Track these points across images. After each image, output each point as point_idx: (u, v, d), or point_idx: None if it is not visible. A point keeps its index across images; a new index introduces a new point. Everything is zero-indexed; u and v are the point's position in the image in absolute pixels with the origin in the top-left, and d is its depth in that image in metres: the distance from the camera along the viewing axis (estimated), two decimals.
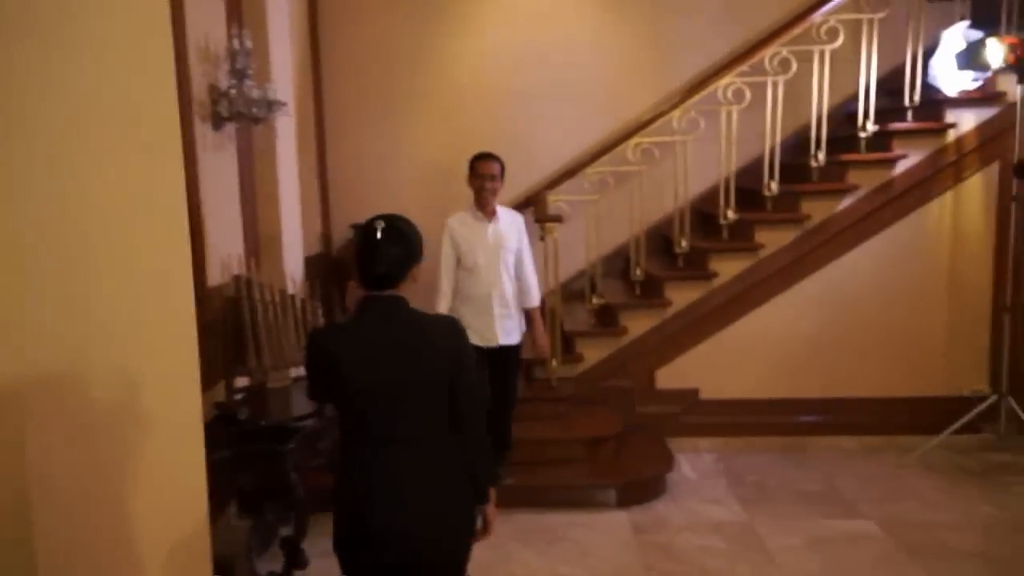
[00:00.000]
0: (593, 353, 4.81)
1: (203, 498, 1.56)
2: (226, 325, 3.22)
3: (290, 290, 3.64)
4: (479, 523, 2.14)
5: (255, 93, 3.76)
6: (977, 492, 4.11)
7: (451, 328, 2.09)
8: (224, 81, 3.74)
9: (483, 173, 3.81)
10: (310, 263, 5.02)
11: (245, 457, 3.01)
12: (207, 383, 3.48)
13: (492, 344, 3.82)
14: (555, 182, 4.83)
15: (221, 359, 3.28)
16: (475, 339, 3.36)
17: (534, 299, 3.99)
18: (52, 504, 1.08)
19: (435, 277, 3.82)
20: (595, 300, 4.84)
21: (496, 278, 3.83)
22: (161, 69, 1.43)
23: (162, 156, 1.44)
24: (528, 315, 4.00)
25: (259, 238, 4.30)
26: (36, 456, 1.05)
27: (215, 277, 3.59)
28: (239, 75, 3.72)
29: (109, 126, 1.26)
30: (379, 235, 1.98)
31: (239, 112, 3.75)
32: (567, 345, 4.84)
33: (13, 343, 1.04)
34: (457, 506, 2.06)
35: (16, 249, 1.05)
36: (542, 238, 4.56)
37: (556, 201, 4.72)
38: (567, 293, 5.08)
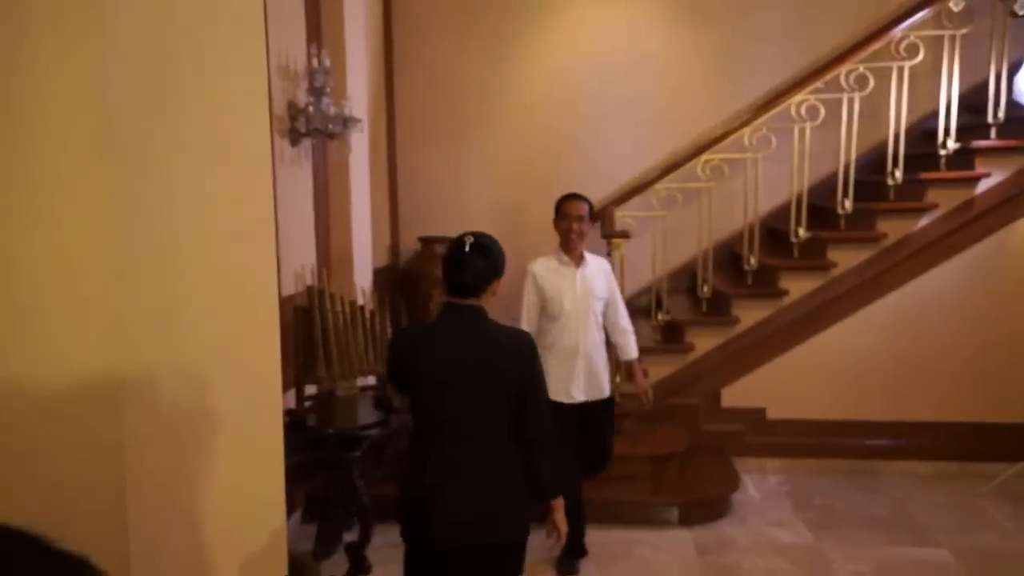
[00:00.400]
0: (658, 370, 4.78)
1: (281, 503, 1.62)
2: (297, 334, 3.32)
3: (359, 301, 3.73)
4: (549, 530, 2.32)
5: (332, 110, 3.89)
6: None
7: (524, 341, 2.28)
8: (302, 98, 3.89)
9: (570, 214, 3.46)
10: (378, 275, 5.14)
11: (313, 464, 3.09)
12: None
13: (575, 400, 3.46)
14: (622, 198, 4.84)
15: (292, 367, 3.39)
16: (557, 394, 3.22)
17: (632, 349, 3.68)
18: (144, 499, 1.15)
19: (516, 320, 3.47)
20: (661, 316, 4.82)
21: (584, 327, 3.47)
22: (255, 87, 1.51)
23: (253, 170, 1.52)
24: (627, 368, 3.79)
25: (331, 250, 4.43)
26: (132, 453, 1.12)
27: (288, 287, 3.72)
28: (317, 92, 3.86)
29: (205, 140, 1.35)
30: (467, 248, 2.20)
31: (316, 128, 3.89)
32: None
33: (111, 345, 1.11)
34: (508, 503, 2.19)
35: (116, 253, 1.12)
36: (609, 253, 4.56)
37: (623, 217, 4.72)
38: (632, 309, 5.04)
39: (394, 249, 5.81)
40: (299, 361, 3.35)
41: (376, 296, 4.60)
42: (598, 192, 5.40)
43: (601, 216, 4.74)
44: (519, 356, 2.20)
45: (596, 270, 3.55)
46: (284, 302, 3.75)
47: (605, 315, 3.58)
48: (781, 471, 4.66)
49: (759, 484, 4.50)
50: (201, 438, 1.33)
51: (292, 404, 3.47)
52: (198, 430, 1.33)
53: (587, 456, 3.51)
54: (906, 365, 4.64)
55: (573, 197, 3.53)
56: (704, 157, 4.65)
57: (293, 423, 3.33)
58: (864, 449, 4.67)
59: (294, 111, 3.83)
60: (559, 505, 2.30)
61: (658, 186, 4.74)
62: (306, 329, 3.35)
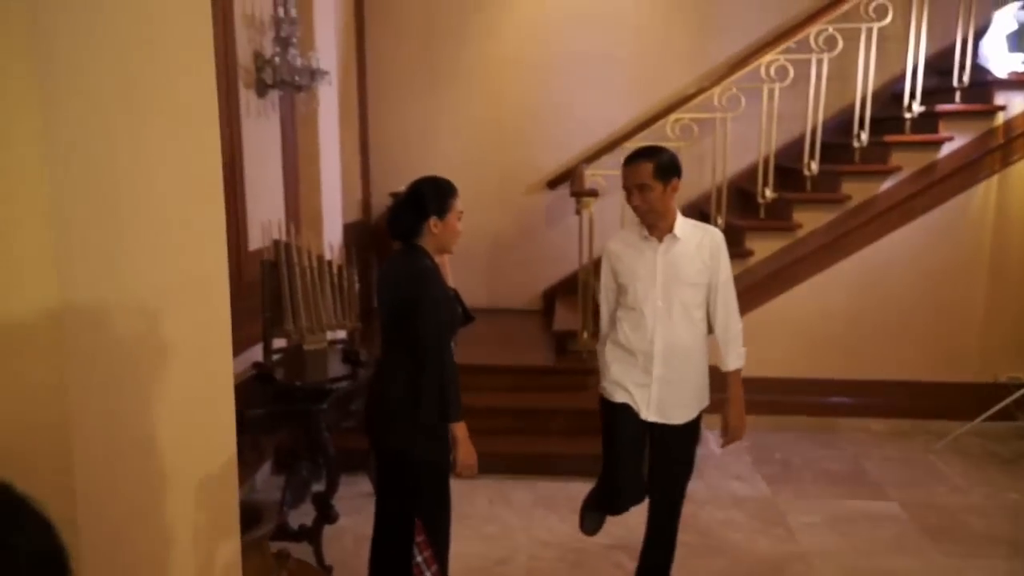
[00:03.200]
0: None
1: (231, 433, 1.66)
2: (264, 288, 3.33)
3: (328, 256, 3.73)
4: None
5: (298, 62, 3.84)
6: (1006, 479, 4.08)
7: (415, 275, 2.42)
8: (269, 49, 3.83)
9: (626, 183, 2.62)
10: (349, 230, 5.14)
11: (280, 416, 3.13)
12: (247, 343, 3.63)
13: (645, 416, 2.68)
14: (593, 156, 4.85)
15: (259, 320, 3.40)
16: (622, 396, 2.68)
17: (733, 357, 2.69)
18: (90, 437, 1.18)
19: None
20: None
21: (663, 323, 2.62)
22: (200, 31, 1.50)
23: (198, 116, 1.52)
24: (727, 380, 2.74)
25: (300, 204, 4.41)
26: (77, 394, 1.15)
27: (256, 241, 3.72)
28: (283, 43, 3.81)
29: (147, 84, 1.34)
30: (396, 200, 2.52)
31: (283, 80, 3.84)
32: (597, 318, 4.88)
33: (50, 291, 1.12)
34: (395, 413, 2.46)
35: (54, 200, 1.12)
36: (578, 212, 4.59)
37: (594, 175, 4.74)
38: (597, 267, 5.11)
39: (366, 204, 5.80)
40: (266, 315, 3.37)
41: (346, 251, 4.61)
42: (573, 148, 5.45)
43: (571, 174, 4.76)
44: (408, 291, 2.39)
45: (693, 247, 2.63)
46: (251, 256, 3.76)
47: (710, 309, 2.68)
48: None
49: (720, 440, 4.60)
50: (151, 372, 1.36)
51: (260, 358, 3.49)
52: (147, 365, 1.35)
53: (655, 488, 2.78)
54: (867, 325, 4.74)
55: (631, 159, 2.63)
56: (674, 116, 4.67)
57: (260, 376, 3.36)
58: (824, 406, 4.80)
59: (260, 62, 3.78)
60: (456, 432, 2.43)
61: (627, 144, 4.75)
62: (273, 283, 3.35)
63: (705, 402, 2.74)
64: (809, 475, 4.17)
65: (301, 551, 3.11)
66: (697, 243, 2.64)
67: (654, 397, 2.65)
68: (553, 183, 5.59)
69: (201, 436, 1.55)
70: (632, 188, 2.59)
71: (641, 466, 2.76)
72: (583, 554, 3.40)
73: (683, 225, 2.66)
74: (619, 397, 2.70)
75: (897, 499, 3.87)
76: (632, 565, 3.04)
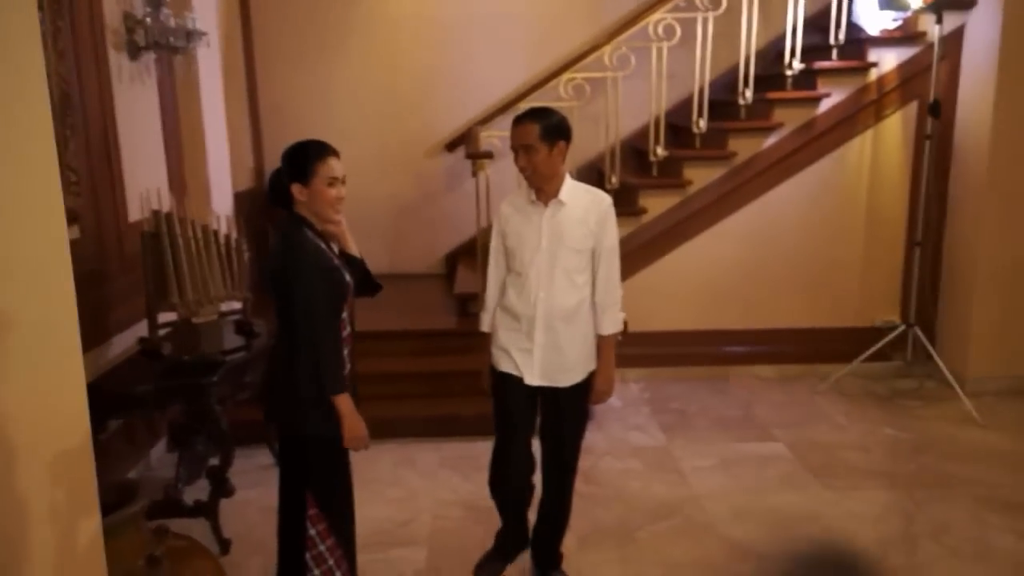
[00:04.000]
0: None
1: (83, 406, 1.61)
2: (146, 261, 3.21)
3: (216, 225, 3.61)
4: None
5: (172, 22, 3.67)
6: (882, 416, 4.36)
7: (284, 246, 2.28)
8: (140, 9, 3.64)
9: (513, 143, 2.57)
10: (241, 198, 4.98)
11: (169, 391, 3.04)
12: (131, 318, 3.51)
13: (528, 383, 2.67)
14: (487, 118, 4.83)
15: (143, 294, 3.28)
16: (507, 364, 2.68)
17: (607, 323, 2.68)
18: None
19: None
20: None
21: (547, 288, 2.60)
22: None
23: (22, 77, 1.43)
24: (598, 345, 2.72)
25: (184, 172, 4.24)
26: None
27: (135, 212, 3.56)
28: (155, 3, 3.63)
29: None
30: None
31: (156, 42, 3.67)
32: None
33: None
34: (283, 394, 2.37)
35: None
36: (474, 174, 4.58)
37: (489, 137, 4.72)
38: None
39: (259, 172, 5.62)
40: (149, 288, 3.24)
41: (237, 219, 4.47)
42: (472, 110, 5.41)
43: (466, 136, 4.73)
44: (278, 261, 2.28)
45: (579, 213, 2.60)
46: (132, 228, 3.61)
47: (593, 274, 2.68)
48: (642, 379, 4.93)
49: (621, 393, 4.73)
50: None
51: (146, 333, 3.37)
52: None
53: (545, 454, 2.79)
54: (756, 276, 4.94)
55: (518, 120, 2.57)
56: (566, 76, 4.69)
57: (146, 352, 3.25)
58: (718, 356, 4.99)
59: (131, 22, 3.60)
60: (339, 405, 2.30)
61: (521, 105, 4.75)
62: (155, 256, 3.22)
63: (592, 365, 2.71)
64: (704, 422, 4.35)
65: (199, 527, 3.06)
66: (584, 208, 2.60)
67: (538, 361, 2.64)
68: (451, 146, 5.55)
69: (52, 412, 1.49)
70: (518, 149, 2.54)
71: (530, 436, 2.75)
72: (486, 512, 3.43)
73: (571, 189, 2.62)
74: (504, 365, 2.70)
75: (784, 440, 4.08)
76: (534, 520, 3.11)
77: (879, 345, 4.61)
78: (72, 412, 1.59)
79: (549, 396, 2.70)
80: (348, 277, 2.39)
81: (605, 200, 2.65)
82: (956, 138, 4.65)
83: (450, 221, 5.71)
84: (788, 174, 4.80)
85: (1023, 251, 4.46)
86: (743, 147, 4.75)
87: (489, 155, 4.58)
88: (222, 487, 3.06)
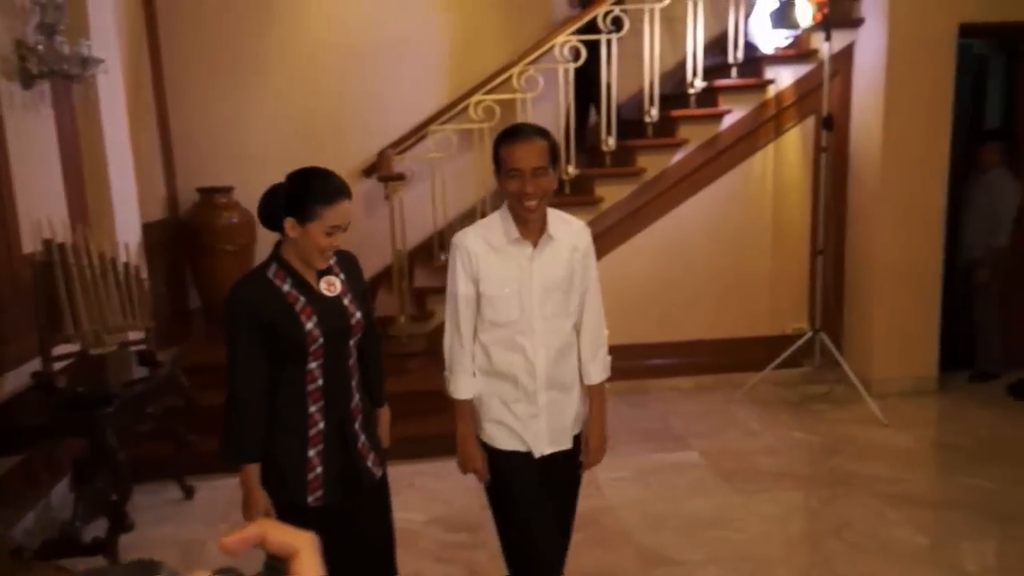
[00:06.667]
0: (439, 308, 4.92)
1: None
2: (37, 292, 3.12)
3: (124, 256, 3.53)
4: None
5: (67, 49, 3.60)
6: (793, 420, 4.49)
7: (226, 297, 2.04)
8: (32, 36, 3.57)
9: (521, 166, 2.05)
10: (153, 228, 4.89)
11: (62, 425, 2.95)
12: (29, 352, 3.39)
13: (537, 452, 2.24)
14: (399, 140, 4.85)
15: (36, 327, 3.18)
16: (509, 440, 2.23)
17: (598, 368, 2.30)
18: None
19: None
20: (443, 257, 4.92)
21: (544, 341, 2.18)
22: None
23: None
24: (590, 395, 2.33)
25: (86, 202, 4.15)
26: None
27: (29, 244, 3.46)
28: (48, 30, 3.55)
29: None
30: None
31: (52, 70, 3.59)
32: (418, 302, 4.93)
33: None
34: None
35: None
36: (387, 197, 4.60)
37: (402, 160, 4.75)
38: (418, 252, 5.16)
39: (172, 201, 5.53)
40: (40, 321, 3.15)
41: (147, 250, 4.38)
42: (385, 136, 5.40)
43: (379, 160, 4.75)
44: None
45: (567, 248, 2.20)
46: (26, 259, 3.50)
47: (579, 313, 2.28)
48: None
49: None
50: None
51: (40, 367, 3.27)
52: None
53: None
54: (670, 290, 5.05)
55: (524, 134, 2.09)
56: (476, 98, 4.75)
57: (40, 385, 3.15)
58: (637, 370, 5.06)
59: (23, 50, 3.52)
60: (240, 476, 2.04)
61: (433, 127, 4.80)
62: (47, 286, 3.14)
63: (585, 409, 2.34)
64: (623, 435, 4.40)
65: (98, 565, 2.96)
66: (569, 242, 2.20)
67: (544, 427, 2.22)
68: (368, 171, 5.55)
69: None
70: (526, 172, 2.04)
71: (552, 520, 2.31)
72: (402, 532, 3.42)
73: (555, 221, 2.19)
74: (507, 443, 2.24)
75: (698, 448, 4.16)
76: (450, 538, 3.11)
77: (788, 352, 4.75)
78: None
79: (551, 462, 2.27)
80: (314, 325, 2.02)
81: (582, 224, 2.28)
82: (851, 150, 4.86)
83: (368, 246, 5.62)
84: (696, 189, 4.94)
85: (916, 256, 4.66)
86: (652, 164, 4.88)
87: (402, 177, 4.61)
88: (120, 522, 2.97)
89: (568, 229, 2.21)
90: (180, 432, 3.79)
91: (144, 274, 3.46)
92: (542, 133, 2.10)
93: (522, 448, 2.23)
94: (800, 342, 4.77)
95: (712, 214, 4.98)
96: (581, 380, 2.30)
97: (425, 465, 4.07)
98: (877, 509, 3.44)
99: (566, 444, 2.27)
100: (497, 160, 2.12)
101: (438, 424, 4.30)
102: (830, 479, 3.79)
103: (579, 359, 2.28)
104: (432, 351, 4.79)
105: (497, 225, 2.17)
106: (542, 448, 2.23)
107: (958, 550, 3.13)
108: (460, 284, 2.18)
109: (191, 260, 5.40)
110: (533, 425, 2.21)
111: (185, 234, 5.31)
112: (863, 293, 4.84)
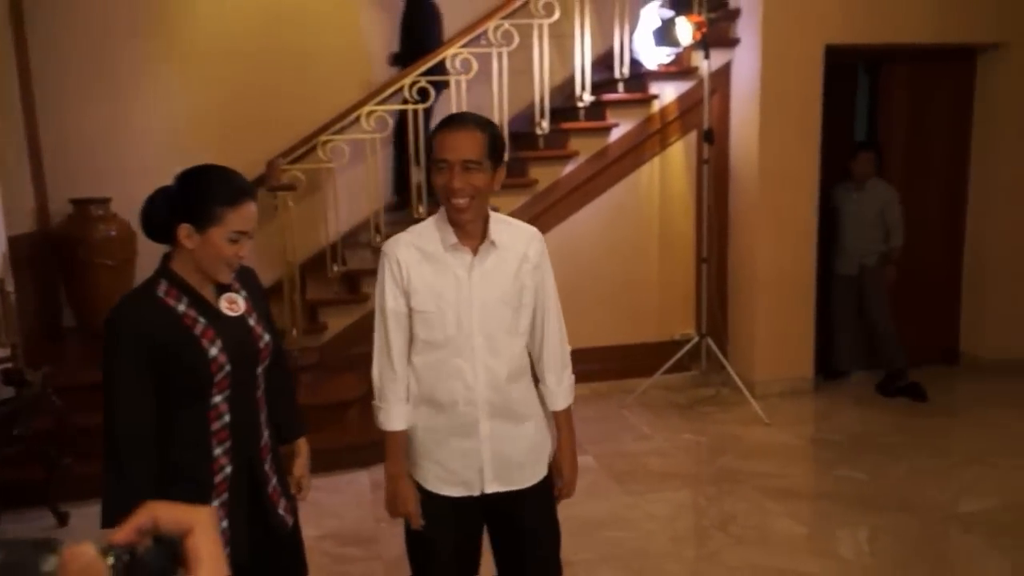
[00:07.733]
0: (337, 321, 4.85)
1: None
2: None
3: None
4: None
5: None
6: (682, 423, 4.64)
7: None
8: None
9: (448, 156, 1.81)
10: (20, 242, 4.60)
11: None
12: None
13: (479, 492, 1.95)
14: (289, 151, 4.76)
15: None
16: (443, 483, 1.96)
17: (563, 392, 2.07)
18: None
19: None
20: (336, 268, 4.85)
21: (483, 363, 1.90)
22: None
23: None
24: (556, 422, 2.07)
25: None
26: None
27: None
28: None
29: None
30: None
31: None
32: (310, 314, 4.84)
33: None
34: None
35: None
36: (276, 208, 4.49)
37: (290, 170, 4.66)
38: (311, 263, 5.06)
39: (42, 213, 5.22)
40: None
41: (12, 265, 4.12)
42: (276, 147, 5.27)
43: (268, 169, 4.64)
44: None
45: (514, 256, 1.94)
46: None
47: (530, 332, 2.04)
48: None
49: None
50: None
51: None
52: None
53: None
54: (563, 299, 5.05)
55: (456, 122, 1.85)
56: (367, 108, 4.72)
57: None
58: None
59: None
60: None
61: (324, 137, 4.74)
62: None
63: (550, 446, 2.06)
64: None
65: None
66: (517, 250, 1.94)
67: (488, 460, 1.92)
68: (258, 182, 5.40)
69: None
70: (454, 164, 1.79)
71: None
72: None
73: (498, 226, 1.92)
74: (439, 486, 1.95)
75: (592, 453, 4.23)
76: (342, 551, 3.04)
77: (676, 357, 4.91)
78: None
79: (506, 510, 1.98)
80: (219, 351, 1.74)
81: (537, 234, 2.02)
82: (731, 163, 5.10)
83: (262, 259, 5.52)
84: (587, 199, 5.06)
85: (792, 264, 4.91)
86: (543, 175, 4.97)
87: (292, 187, 4.52)
88: None
89: (516, 236, 1.96)
90: (52, 455, 3.57)
91: (10, 287, 3.24)
92: (482, 124, 1.85)
93: (456, 493, 1.94)
94: (687, 347, 4.94)
95: (602, 224, 5.11)
96: (545, 409, 2.04)
97: (318, 480, 3.93)
98: (760, 503, 3.59)
99: (519, 483, 1.96)
100: (429, 149, 1.90)
101: (330, 438, 4.23)
102: (717, 477, 3.93)
103: (538, 384, 2.03)
104: (324, 364, 4.71)
105: (432, 231, 1.90)
106: (484, 486, 1.93)
107: (834, 538, 3.32)
108: (389, 298, 1.90)
109: (65, 276, 5.11)
110: (472, 460, 1.93)
111: (58, 248, 5.02)
112: (745, 299, 5.07)
